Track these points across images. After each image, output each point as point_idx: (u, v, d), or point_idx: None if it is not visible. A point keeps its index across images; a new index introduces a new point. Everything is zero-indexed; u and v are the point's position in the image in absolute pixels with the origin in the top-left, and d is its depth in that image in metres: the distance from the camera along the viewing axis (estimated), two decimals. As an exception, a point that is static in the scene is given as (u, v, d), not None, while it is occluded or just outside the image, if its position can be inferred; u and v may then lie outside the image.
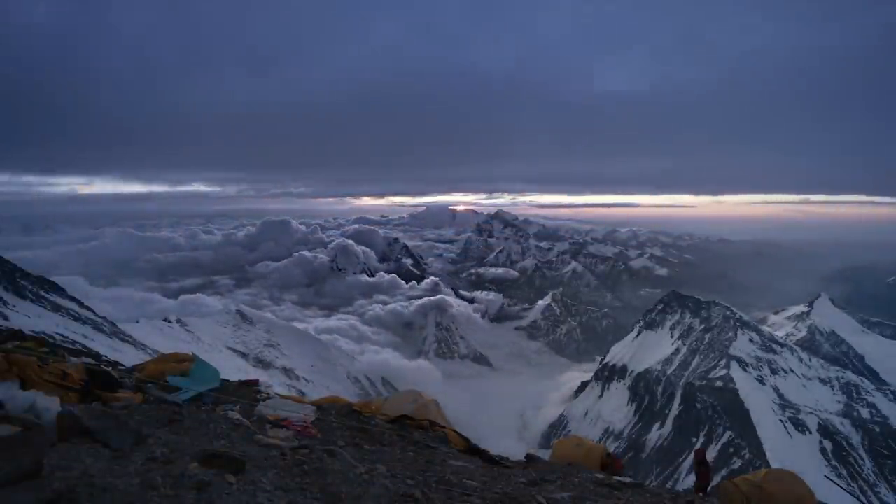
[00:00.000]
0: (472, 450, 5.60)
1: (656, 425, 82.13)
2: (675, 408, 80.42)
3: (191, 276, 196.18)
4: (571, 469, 5.32)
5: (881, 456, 65.97)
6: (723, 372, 78.30)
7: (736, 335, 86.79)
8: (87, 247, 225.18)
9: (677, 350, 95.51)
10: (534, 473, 4.94)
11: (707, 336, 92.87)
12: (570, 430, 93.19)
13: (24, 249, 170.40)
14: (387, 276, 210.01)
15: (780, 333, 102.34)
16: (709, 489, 5.84)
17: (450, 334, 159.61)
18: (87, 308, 51.51)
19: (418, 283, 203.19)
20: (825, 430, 68.08)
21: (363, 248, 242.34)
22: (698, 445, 69.80)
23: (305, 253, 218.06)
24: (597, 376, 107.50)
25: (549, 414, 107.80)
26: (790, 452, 61.08)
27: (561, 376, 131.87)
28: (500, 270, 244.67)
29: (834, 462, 63.89)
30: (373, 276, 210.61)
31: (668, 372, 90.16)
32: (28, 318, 36.59)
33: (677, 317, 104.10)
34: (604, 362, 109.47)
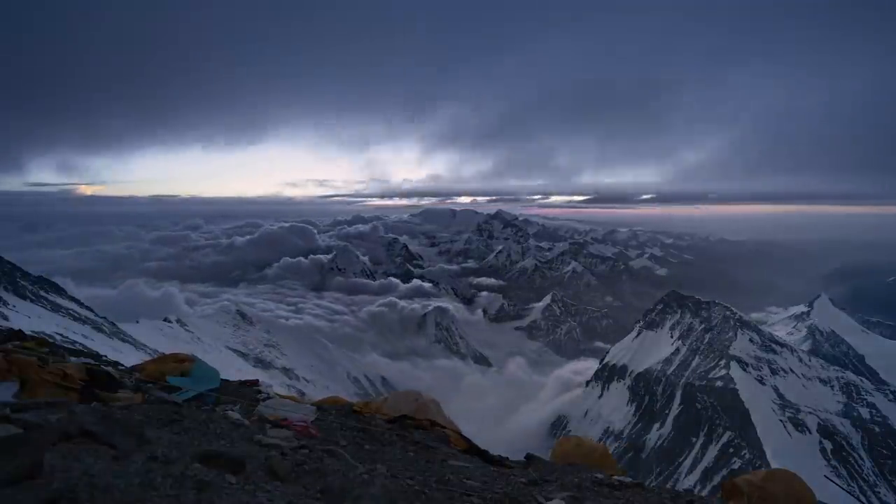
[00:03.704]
0: (473, 450, 5.60)
1: (656, 425, 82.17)
2: (675, 408, 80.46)
3: (191, 277, 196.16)
4: (571, 469, 5.31)
5: (881, 456, 65.99)
6: (723, 372, 78.34)
7: (736, 335, 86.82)
8: (88, 248, 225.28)
9: (677, 350, 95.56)
10: (534, 473, 4.93)
11: (707, 336, 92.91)
12: (570, 430, 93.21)
13: (25, 249, 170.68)
14: (386, 277, 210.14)
15: (780, 333, 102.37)
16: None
17: (450, 334, 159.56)
18: (88, 308, 51.55)
19: (418, 283, 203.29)
20: (825, 430, 68.11)
21: (363, 248, 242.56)
22: (698, 445, 69.91)
23: (302, 259, 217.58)
24: (597, 376, 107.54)
25: (549, 414, 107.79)
26: (790, 452, 61.11)
27: (561, 376, 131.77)
28: (500, 270, 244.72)
29: (834, 462, 63.91)
30: (372, 276, 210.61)
31: (668, 372, 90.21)
32: (28, 318, 36.57)
33: (677, 317, 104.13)
34: (604, 362, 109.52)
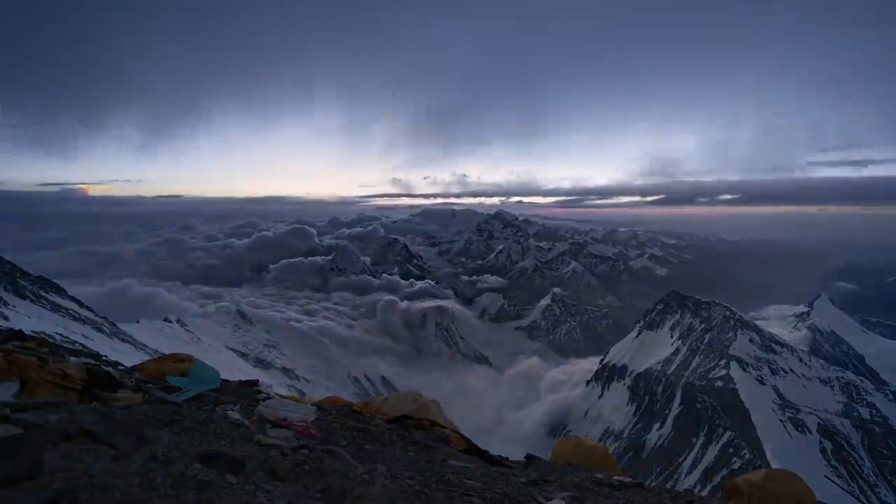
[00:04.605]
0: (473, 450, 5.60)
1: (656, 425, 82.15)
2: (675, 408, 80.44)
3: (192, 278, 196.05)
4: (571, 469, 5.32)
5: (881, 456, 66.01)
6: (723, 372, 78.31)
7: (736, 335, 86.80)
8: (87, 248, 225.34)
9: (677, 350, 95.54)
10: (534, 473, 4.93)
11: (707, 336, 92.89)
12: (570, 430, 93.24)
13: (25, 249, 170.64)
14: (387, 277, 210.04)
15: (780, 333, 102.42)
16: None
17: (450, 334, 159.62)
18: (88, 308, 51.56)
19: (418, 283, 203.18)
20: (825, 430, 68.12)
21: (363, 248, 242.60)
22: (698, 445, 69.90)
23: (302, 259, 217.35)
24: (597, 376, 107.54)
25: (549, 414, 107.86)
26: (790, 452, 61.10)
27: (561, 376, 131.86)
28: (500, 270, 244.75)
29: (834, 462, 63.91)
30: (373, 276, 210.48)
31: (668, 372, 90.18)
32: (28, 318, 36.60)
33: (677, 317, 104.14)
34: (604, 362, 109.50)
